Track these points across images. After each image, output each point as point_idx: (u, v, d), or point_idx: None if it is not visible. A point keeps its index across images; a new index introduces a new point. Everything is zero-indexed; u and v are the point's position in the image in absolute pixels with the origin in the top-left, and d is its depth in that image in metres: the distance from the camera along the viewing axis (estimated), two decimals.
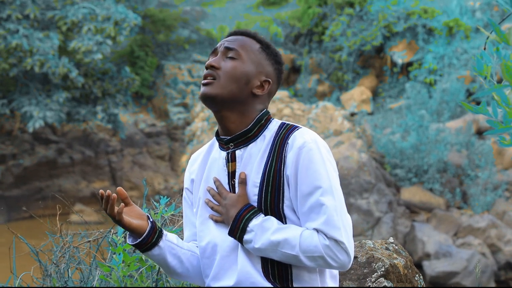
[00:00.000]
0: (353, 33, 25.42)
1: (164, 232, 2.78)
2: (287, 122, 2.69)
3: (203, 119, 22.33)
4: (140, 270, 3.69)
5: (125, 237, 3.73)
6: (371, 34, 24.88)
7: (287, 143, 2.58)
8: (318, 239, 2.48)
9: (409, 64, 24.72)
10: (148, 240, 2.70)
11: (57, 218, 4.32)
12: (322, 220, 2.48)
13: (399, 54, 24.64)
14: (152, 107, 26.79)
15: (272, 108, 20.82)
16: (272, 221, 2.54)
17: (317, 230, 2.49)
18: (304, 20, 27.18)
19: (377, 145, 20.25)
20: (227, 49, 2.70)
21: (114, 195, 2.69)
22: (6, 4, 21.29)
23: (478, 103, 20.91)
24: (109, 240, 3.96)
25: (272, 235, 2.50)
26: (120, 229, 3.74)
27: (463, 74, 22.68)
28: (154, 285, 3.75)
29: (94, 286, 3.80)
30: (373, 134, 20.85)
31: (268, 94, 2.75)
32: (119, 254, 3.54)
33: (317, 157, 2.53)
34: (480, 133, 19.99)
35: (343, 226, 2.50)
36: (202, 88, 2.66)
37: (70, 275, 3.94)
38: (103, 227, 4.40)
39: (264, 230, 2.51)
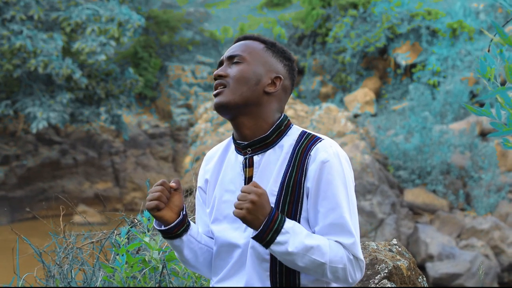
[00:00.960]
0: (357, 34, 25.40)
1: (191, 225, 2.74)
2: (308, 131, 2.67)
3: (206, 120, 22.31)
4: (143, 271, 3.69)
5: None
6: (375, 36, 24.87)
7: (310, 155, 2.56)
8: (343, 252, 2.50)
9: (413, 65, 24.69)
10: (173, 231, 2.66)
11: (61, 219, 4.32)
12: (349, 239, 2.51)
13: (402, 55, 24.62)
14: (155, 108, 26.80)
15: None
16: (300, 226, 2.51)
17: (342, 244, 2.52)
18: (308, 22, 27.18)
19: (380, 147, 20.22)
20: (231, 57, 2.70)
21: (173, 184, 2.67)
22: (10, 5, 21.32)
23: (481, 105, 20.73)
24: (112, 241, 3.96)
25: (306, 239, 2.46)
26: (123, 231, 3.73)
27: (466, 76, 22.65)
28: (157, 286, 3.73)
29: (97, 287, 3.79)
30: (376, 135, 20.85)
31: (283, 91, 2.72)
32: (122, 255, 3.55)
33: (339, 173, 2.53)
34: (483, 134, 19.95)
35: (359, 244, 2.56)
36: (215, 99, 2.64)
37: (73, 276, 3.94)
38: (106, 228, 4.40)
39: (297, 234, 2.46)
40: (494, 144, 19.10)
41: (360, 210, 17.20)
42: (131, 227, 4.02)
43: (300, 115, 20.80)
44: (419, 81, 23.81)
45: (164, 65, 27.32)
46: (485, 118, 18.64)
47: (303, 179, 2.55)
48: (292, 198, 2.55)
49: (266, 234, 2.44)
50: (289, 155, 2.60)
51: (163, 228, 2.66)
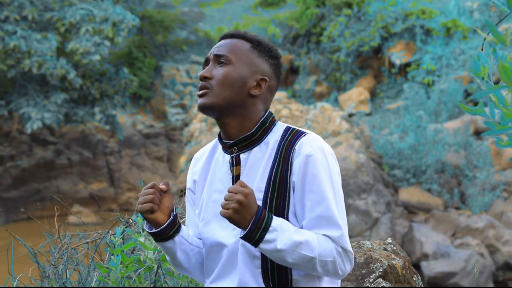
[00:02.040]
0: (351, 33, 25.42)
1: (182, 227, 2.75)
2: (293, 127, 2.67)
3: (201, 120, 22.31)
4: (138, 271, 3.68)
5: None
6: (369, 35, 24.89)
7: (294, 149, 2.57)
8: (332, 245, 2.51)
9: (407, 64, 24.73)
10: (164, 233, 2.67)
11: (55, 219, 4.31)
12: (336, 232, 2.51)
13: (397, 54, 24.65)
14: (150, 108, 26.78)
15: (270, 109, 20.82)
16: (287, 223, 2.52)
17: (329, 237, 2.52)
18: (302, 21, 27.19)
19: (375, 146, 20.25)
20: (217, 56, 2.68)
21: (163, 186, 2.68)
22: (4, 5, 21.28)
23: (476, 104, 20.87)
24: (107, 241, 3.94)
25: (294, 235, 2.47)
26: (118, 231, 3.73)
27: (461, 75, 22.68)
28: (152, 286, 3.73)
29: (92, 287, 3.79)
30: (371, 134, 20.88)
31: (268, 91, 2.72)
32: (117, 255, 3.54)
33: (324, 166, 2.54)
34: (478, 133, 19.97)
35: (348, 237, 2.56)
36: (199, 100, 2.65)
37: (68, 276, 3.93)
38: (101, 228, 4.40)
39: (285, 230, 2.46)
40: (489, 142, 19.11)
41: (355, 209, 17.30)
42: (126, 227, 4.00)
43: (295, 115, 20.79)
44: (414, 80, 23.84)
45: (158, 65, 27.31)
46: (480, 116, 18.66)
47: (288, 173, 2.55)
48: (279, 193, 2.55)
49: (255, 233, 2.44)
50: (274, 151, 2.61)
51: (154, 230, 2.67)
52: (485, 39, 2.09)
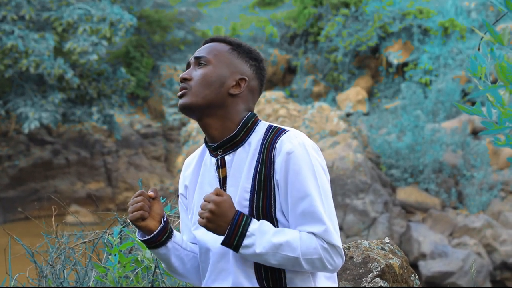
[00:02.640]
0: (349, 33, 25.43)
1: (174, 233, 2.77)
2: (274, 125, 2.68)
3: None
4: (136, 271, 3.67)
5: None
6: (367, 35, 24.90)
7: (275, 147, 2.57)
8: (316, 242, 2.49)
9: (405, 64, 24.75)
10: (157, 239, 2.69)
11: (53, 219, 4.30)
12: (319, 228, 2.50)
13: (394, 54, 24.66)
14: (147, 108, 26.77)
15: (268, 109, 20.81)
16: (267, 224, 2.53)
17: (314, 234, 2.51)
18: (300, 21, 27.19)
19: (372, 146, 20.21)
20: (197, 58, 2.71)
21: (151, 193, 2.70)
22: (2, 5, 21.26)
23: (473, 103, 20.96)
24: (105, 241, 3.96)
25: (273, 237, 2.48)
26: (116, 230, 3.73)
27: (458, 74, 22.70)
28: (149, 285, 3.72)
29: (89, 287, 3.79)
30: (369, 134, 20.83)
31: (249, 92, 2.72)
32: (115, 255, 3.54)
33: (306, 162, 2.53)
34: (475, 133, 19.95)
35: (335, 230, 2.52)
36: (179, 101, 2.67)
37: (65, 276, 3.93)
38: (98, 228, 4.39)
39: (264, 234, 2.48)
40: (486, 142, 19.10)
41: (353, 209, 17.24)
42: (123, 227, 4.00)
43: (292, 114, 20.77)
44: (411, 79, 23.85)
45: (156, 65, 27.29)
46: (477, 116, 18.68)
47: (272, 172, 2.56)
48: (265, 192, 2.56)
49: (232, 240, 2.48)
50: (257, 151, 2.61)
51: (147, 237, 2.69)
52: (482, 38, 2.09)
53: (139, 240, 2.74)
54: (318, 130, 20.04)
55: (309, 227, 2.50)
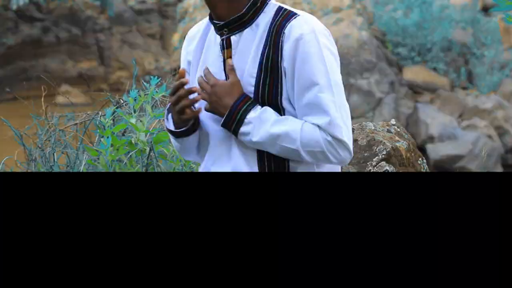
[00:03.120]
0: None
1: None
2: (285, 7, 2.58)
3: None
4: (130, 154, 3.75)
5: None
6: None
7: (284, 32, 2.50)
8: (319, 135, 2.46)
9: None
10: (192, 128, 2.66)
11: (42, 100, 4.35)
12: (323, 119, 2.46)
13: None
14: None
15: None
16: (270, 112, 2.50)
17: (318, 126, 2.47)
18: None
19: (378, 23, 19.84)
20: None
21: (187, 79, 2.62)
22: None
23: None
24: (97, 122, 4.03)
25: (272, 127, 2.47)
26: (108, 112, 3.79)
27: None
28: (144, 170, 3.77)
29: (81, 171, 3.83)
30: (374, 11, 20.37)
31: None
32: (108, 137, 3.59)
33: (315, 50, 2.47)
34: (486, 9, 19.66)
35: (344, 124, 2.49)
36: None
37: (55, 160, 4.01)
38: (90, 109, 4.43)
39: (263, 122, 2.48)
40: (497, 19, 18.80)
41: (357, 89, 17.17)
42: (116, 108, 4.07)
43: None
44: None
45: None
46: None
47: (280, 59, 2.51)
48: (271, 79, 2.52)
49: (229, 126, 2.51)
50: (265, 34, 2.54)
51: (184, 128, 2.64)
52: None
53: (172, 131, 2.68)
54: (321, 6, 19.65)
55: (313, 118, 2.48)
